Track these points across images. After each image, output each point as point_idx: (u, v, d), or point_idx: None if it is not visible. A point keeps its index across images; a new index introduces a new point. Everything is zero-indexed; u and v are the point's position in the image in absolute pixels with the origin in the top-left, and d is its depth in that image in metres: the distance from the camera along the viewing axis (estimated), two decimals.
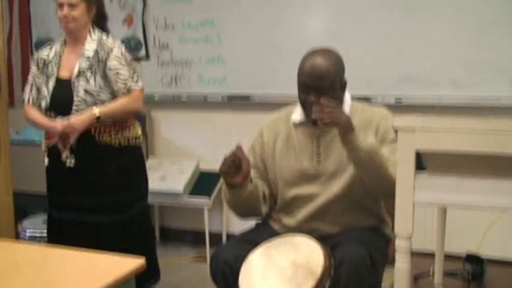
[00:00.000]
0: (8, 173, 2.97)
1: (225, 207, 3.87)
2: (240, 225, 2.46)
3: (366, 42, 3.37)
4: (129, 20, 4.00)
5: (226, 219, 3.89)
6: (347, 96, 2.16)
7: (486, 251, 2.92)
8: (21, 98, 4.28)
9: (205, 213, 3.72)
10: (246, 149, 2.28)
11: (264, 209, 2.19)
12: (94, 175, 2.67)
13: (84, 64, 2.64)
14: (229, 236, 3.84)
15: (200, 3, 3.77)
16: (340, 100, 2.10)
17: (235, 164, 2.04)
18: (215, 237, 3.75)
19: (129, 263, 1.62)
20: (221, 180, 3.77)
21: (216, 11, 3.73)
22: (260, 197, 2.15)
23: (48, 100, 2.69)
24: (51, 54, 2.76)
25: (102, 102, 2.64)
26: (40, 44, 4.31)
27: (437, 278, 2.23)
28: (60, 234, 2.72)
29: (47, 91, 2.70)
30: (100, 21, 2.77)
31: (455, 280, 2.30)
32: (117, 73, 2.63)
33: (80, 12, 2.65)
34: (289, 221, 2.16)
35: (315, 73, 2.05)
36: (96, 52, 2.65)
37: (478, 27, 3.19)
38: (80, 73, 2.64)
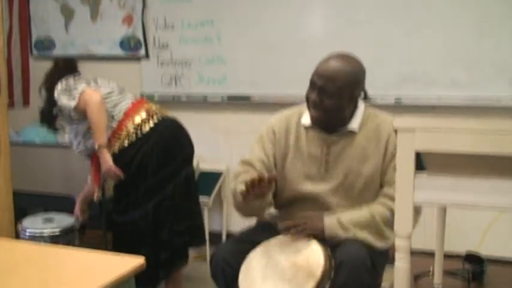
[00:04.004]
0: (8, 173, 2.97)
1: (225, 206, 3.87)
2: (239, 224, 2.47)
3: (366, 42, 3.37)
4: (128, 20, 4.00)
5: (226, 219, 3.89)
6: (360, 109, 2.13)
7: (486, 251, 2.92)
8: (20, 99, 4.31)
9: (205, 212, 3.71)
10: (246, 149, 2.28)
11: (268, 212, 2.20)
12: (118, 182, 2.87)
13: (60, 123, 2.94)
14: (229, 235, 3.84)
15: (200, 3, 3.77)
16: (342, 111, 2.06)
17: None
18: (215, 237, 3.75)
19: (129, 263, 1.62)
20: (221, 180, 3.79)
21: (216, 11, 3.73)
22: (268, 204, 2.14)
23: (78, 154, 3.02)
24: None
25: (87, 130, 2.83)
26: (40, 44, 4.32)
27: (437, 277, 2.23)
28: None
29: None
30: (70, 70, 2.94)
31: (455, 280, 2.30)
32: (61, 106, 2.81)
33: None
34: (289, 217, 2.15)
35: (323, 73, 2.03)
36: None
37: (478, 27, 3.19)
38: (64, 131, 2.97)
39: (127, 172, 2.78)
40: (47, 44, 4.29)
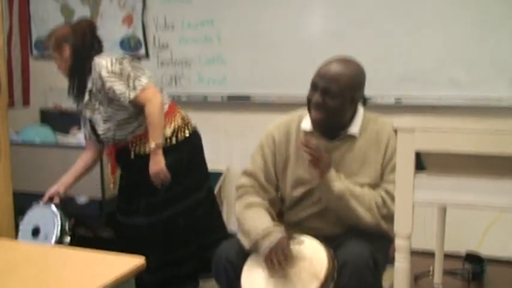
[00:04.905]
0: (8, 173, 2.97)
1: (225, 206, 3.87)
2: None
3: (366, 41, 3.37)
4: (128, 20, 4.00)
5: (226, 219, 3.88)
6: (359, 113, 2.13)
7: (486, 251, 2.92)
8: (20, 99, 4.31)
9: None
10: (246, 149, 2.28)
11: None
12: (134, 182, 2.75)
13: (87, 97, 2.70)
14: (229, 235, 3.83)
15: (200, 3, 3.77)
16: (344, 113, 2.06)
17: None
18: None
19: (129, 263, 1.62)
20: (221, 180, 3.79)
21: (216, 11, 3.73)
22: None
23: (94, 137, 2.84)
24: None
25: (124, 120, 2.68)
26: (40, 44, 4.32)
27: (437, 277, 2.24)
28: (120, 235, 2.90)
29: (93, 132, 2.82)
30: (95, 50, 2.73)
31: (455, 279, 2.30)
32: (114, 91, 2.61)
33: (57, 62, 2.76)
34: (292, 218, 2.16)
35: (326, 74, 2.03)
36: (92, 84, 2.67)
37: (478, 27, 3.19)
38: (88, 107, 2.72)
39: (147, 175, 2.68)
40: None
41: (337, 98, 2.02)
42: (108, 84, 2.60)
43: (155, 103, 2.62)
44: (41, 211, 2.81)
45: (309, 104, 2.09)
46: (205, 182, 2.91)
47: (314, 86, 2.06)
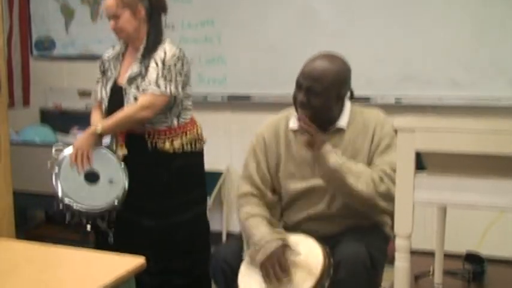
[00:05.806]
0: (8, 173, 2.98)
1: (225, 206, 3.87)
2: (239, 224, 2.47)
3: (366, 42, 3.37)
4: None
5: (226, 219, 3.89)
6: (347, 106, 2.13)
7: (486, 250, 2.92)
8: (20, 99, 4.31)
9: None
10: (246, 149, 2.28)
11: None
12: (144, 179, 2.60)
13: (136, 69, 2.54)
14: (229, 235, 3.84)
15: (200, 3, 3.77)
16: (330, 110, 2.07)
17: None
18: (215, 237, 3.74)
19: (129, 263, 1.63)
20: (221, 180, 3.79)
21: (216, 11, 3.73)
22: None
23: (106, 104, 2.63)
24: (111, 54, 2.70)
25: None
26: (40, 44, 4.32)
27: (437, 277, 2.24)
28: (122, 232, 2.68)
29: (105, 94, 2.64)
30: (155, 16, 2.57)
31: (455, 279, 2.30)
32: (150, 74, 2.50)
33: (124, 21, 2.54)
34: (290, 219, 2.17)
35: (310, 74, 2.04)
36: (161, 61, 2.54)
37: (478, 27, 3.19)
38: (131, 80, 2.54)
39: (162, 176, 2.61)
40: (47, 44, 4.29)
41: (321, 97, 2.02)
42: (152, 64, 2.50)
43: (144, 113, 2.48)
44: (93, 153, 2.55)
45: (295, 103, 2.10)
46: (205, 199, 2.87)
47: (298, 85, 2.07)
